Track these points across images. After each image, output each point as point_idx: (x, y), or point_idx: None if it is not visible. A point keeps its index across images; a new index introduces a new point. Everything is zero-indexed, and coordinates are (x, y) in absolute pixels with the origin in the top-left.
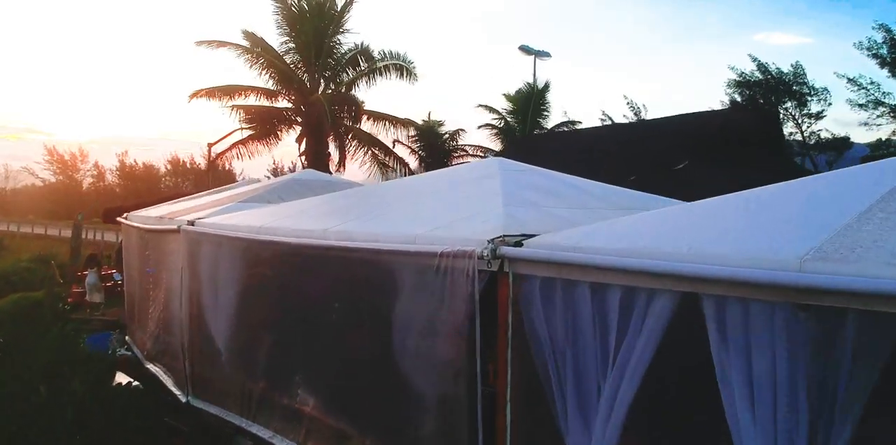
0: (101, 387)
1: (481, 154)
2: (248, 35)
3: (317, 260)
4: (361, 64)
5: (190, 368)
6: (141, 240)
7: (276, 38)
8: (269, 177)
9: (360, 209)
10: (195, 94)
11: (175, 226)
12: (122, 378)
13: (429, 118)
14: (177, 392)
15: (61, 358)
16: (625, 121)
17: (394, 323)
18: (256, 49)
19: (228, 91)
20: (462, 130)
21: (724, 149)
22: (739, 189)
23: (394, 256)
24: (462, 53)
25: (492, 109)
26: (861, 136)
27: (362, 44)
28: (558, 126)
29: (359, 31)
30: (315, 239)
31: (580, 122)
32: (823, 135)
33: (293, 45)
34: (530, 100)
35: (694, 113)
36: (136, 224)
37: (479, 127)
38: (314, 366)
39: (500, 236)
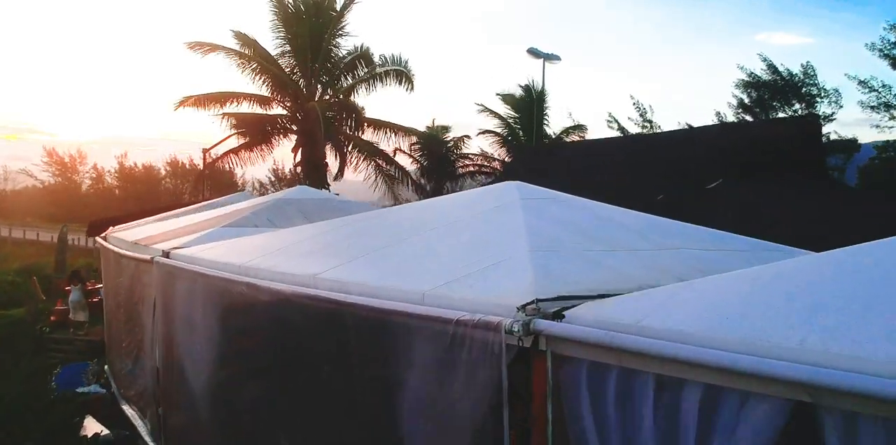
0: (63, 441)
1: (486, 166)
2: (241, 37)
3: (303, 311)
4: (361, 69)
5: (163, 418)
6: (116, 265)
7: (271, 41)
8: (269, 179)
9: (357, 246)
10: (182, 103)
11: (148, 257)
12: (92, 424)
13: (433, 125)
14: (150, 444)
15: (26, 402)
16: (631, 122)
17: (393, 402)
18: (249, 52)
19: (219, 98)
20: (467, 137)
21: (761, 165)
22: (783, 215)
23: (396, 317)
24: (462, 53)
25: (495, 114)
26: (863, 135)
27: (362, 47)
28: (566, 132)
29: (358, 33)
30: (301, 287)
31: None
32: (832, 137)
33: (288, 48)
34: (532, 105)
35: (725, 123)
36: (111, 246)
37: (480, 133)
38: (299, 436)
39: (533, 301)
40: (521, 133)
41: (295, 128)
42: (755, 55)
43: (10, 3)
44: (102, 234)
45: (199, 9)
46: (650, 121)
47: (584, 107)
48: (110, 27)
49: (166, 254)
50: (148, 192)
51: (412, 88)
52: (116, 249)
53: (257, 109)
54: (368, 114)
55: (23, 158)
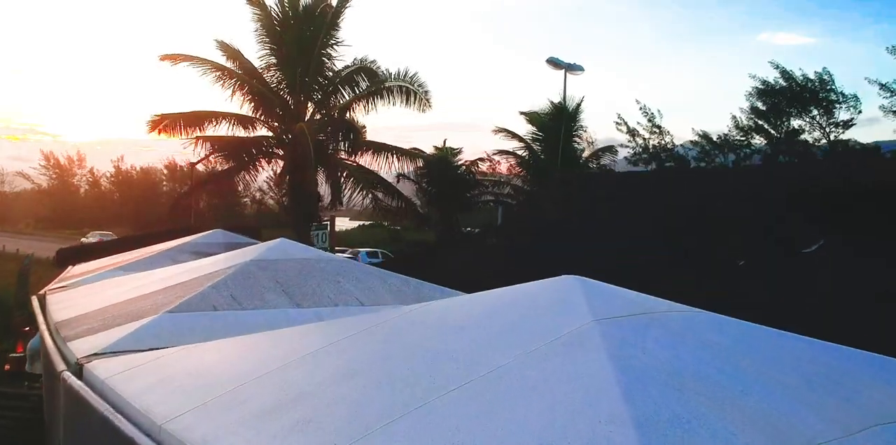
0: None
1: (508, 195)
2: (224, 47)
3: None
4: (360, 83)
5: None
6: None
7: (256, 52)
8: (268, 184)
9: (374, 399)
10: (155, 126)
11: (58, 368)
12: None
13: (443, 146)
14: None
15: None
16: (639, 127)
17: None
18: (233, 65)
19: (194, 119)
20: (482, 160)
21: (861, 216)
22: None
23: None
24: (468, 60)
25: (514, 135)
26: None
27: (365, 59)
28: (598, 153)
29: (353, 43)
30: None
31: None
32: (851, 143)
33: (274, 60)
34: (558, 123)
35: (809, 153)
36: (39, 321)
37: (496, 153)
38: None
39: None
40: (542, 153)
41: (281, 152)
42: (758, 56)
43: (14, 4)
44: (44, 291)
45: (206, 7)
46: (659, 127)
47: (586, 106)
48: (113, 28)
49: (79, 370)
50: (145, 197)
51: (427, 106)
52: (42, 324)
53: (239, 132)
54: (370, 135)
55: (24, 159)
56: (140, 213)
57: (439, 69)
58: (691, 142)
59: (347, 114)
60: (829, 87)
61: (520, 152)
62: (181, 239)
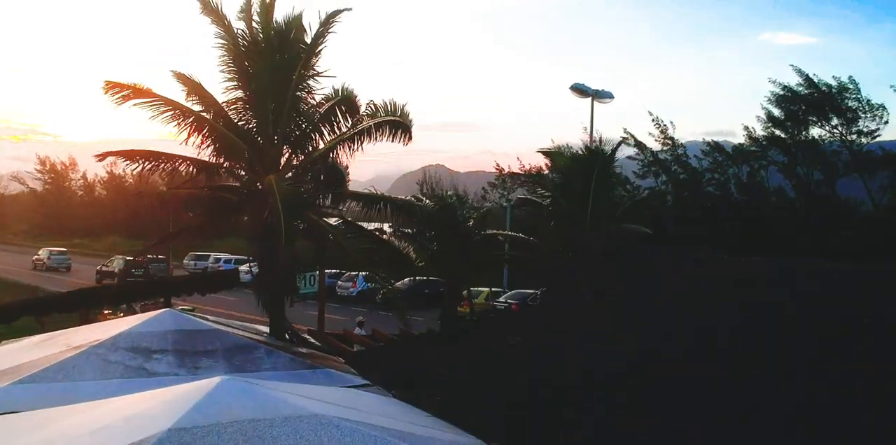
0: None
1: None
2: (183, 79)
3: None
4: (343, 120)
5: None
6: None
7: (219, 82)
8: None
9: None
10: (101, 158)
11: None
12: None
13: (444, 194)
14: None
15: None
16: (651, 138)
17: None
18: (193, 99)
19: (148, 158)
20: (492, 204)
21: None
22: None
23: None
24: (463, 59)
25: (532, 179)
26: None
27: (343, 89)
28: (634, 204)
29: (335, 71)
30: None
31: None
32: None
33: (242, 94)
34: (589, 166)
35: None
36: None
37: (511, 202)
38: None
39: None
40: (565, 201)
41: (251, 207)
42: (759, 56)
43: (14, 4)
44: None
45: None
46: (672, 139)
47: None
48: (115, 28)
49: None
50: (139, 203)
51: (409, 140)
52: None
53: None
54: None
55: (25, 159)
56: (133, 220)
57: (439, 69)
58: (703, 152)
59: (329, 157)
60: (854, 96)
61: (535, 189)
62: (121, 324)
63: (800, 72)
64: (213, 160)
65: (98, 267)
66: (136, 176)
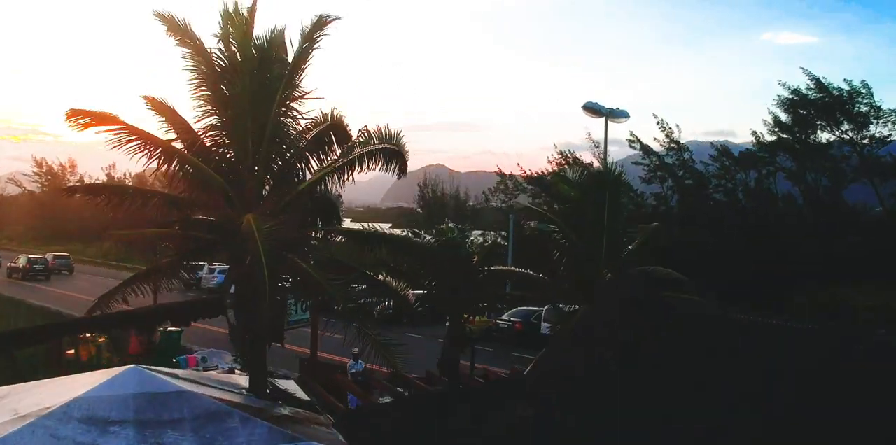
0: None
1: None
2: (155, 104)
3: None
4: (331, 147)
5: None
6: None
7: (192, 107)
8: None
9: None
10: (70, 192)
11: None
12: None
13: (446, 225)
14: None
15: None
16: (656, 143)
17: None
18: (163, 128)
19: (116, 194)
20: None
21: None
22: None
23: None
24: (463, 59)
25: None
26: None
27: (332, 113)
28: (647, 239)
29: (326, 89)
30: None
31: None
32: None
33: (217, 120)
34: (601, 193)
35: None
36: None
37: (514, 205)
38: None
39: None
40: (576, 234)
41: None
42: (761, 56)
43: (14, 4)
44: None
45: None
46: (677, 143)
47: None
48: (113, 27)
49: None
50: (137, 205)
51: (404, 171)
52: None
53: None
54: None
55: (25, 159)
56: (131, 225)
57: (439, 69)
58: (711, 157)
59: (318, 188)
60: (866, 101)
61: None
62: (80, 383)
63: (810, 75)
64: (186, 193)
65: (9, 264)
66: (136, 177)
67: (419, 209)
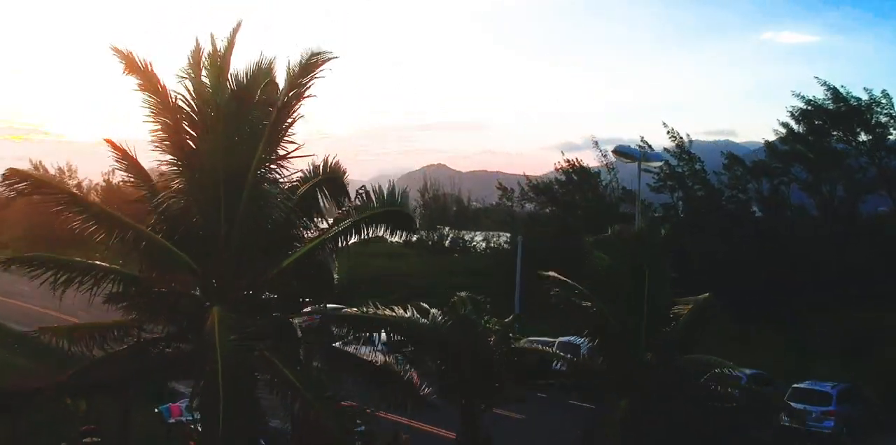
0: None
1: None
2: (118, 150)
3: None
4: (326, 204)
5: None
6: None
7: (152, 162)
8: None
9: None
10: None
11: None
12: None
13: (458, 297)
14: None
15: None
16: (663, 150)
17: None
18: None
19: (61, 268)
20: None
21: None
22: None
23: None
24: (463, 58)
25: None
26: None
27: (326, 163)
28: (705, 310)
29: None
30: None
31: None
32: None
33: (184, 185)
34: (640, 260)
35: None
36: None
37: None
38: None
39: None
40: (607, 308)
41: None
42: (761, 55)
43: (17, 5)
44: None
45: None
46: (689, 153)
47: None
48: (113, 27)
49: None
50: (135, 213)
51: (412, 231)
52: None
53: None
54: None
55: (26, 160)
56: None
57: (439, 69)
58: (723, 165)
59: (311, 257)
60: (886, 111)
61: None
62: None
63: (826, 85)
64: (142, 272)
65: None
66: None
67: (420, 208)
